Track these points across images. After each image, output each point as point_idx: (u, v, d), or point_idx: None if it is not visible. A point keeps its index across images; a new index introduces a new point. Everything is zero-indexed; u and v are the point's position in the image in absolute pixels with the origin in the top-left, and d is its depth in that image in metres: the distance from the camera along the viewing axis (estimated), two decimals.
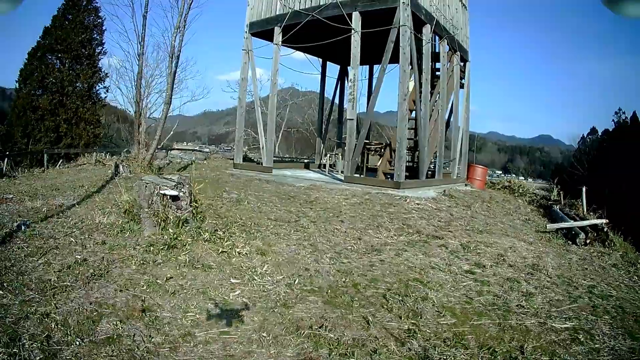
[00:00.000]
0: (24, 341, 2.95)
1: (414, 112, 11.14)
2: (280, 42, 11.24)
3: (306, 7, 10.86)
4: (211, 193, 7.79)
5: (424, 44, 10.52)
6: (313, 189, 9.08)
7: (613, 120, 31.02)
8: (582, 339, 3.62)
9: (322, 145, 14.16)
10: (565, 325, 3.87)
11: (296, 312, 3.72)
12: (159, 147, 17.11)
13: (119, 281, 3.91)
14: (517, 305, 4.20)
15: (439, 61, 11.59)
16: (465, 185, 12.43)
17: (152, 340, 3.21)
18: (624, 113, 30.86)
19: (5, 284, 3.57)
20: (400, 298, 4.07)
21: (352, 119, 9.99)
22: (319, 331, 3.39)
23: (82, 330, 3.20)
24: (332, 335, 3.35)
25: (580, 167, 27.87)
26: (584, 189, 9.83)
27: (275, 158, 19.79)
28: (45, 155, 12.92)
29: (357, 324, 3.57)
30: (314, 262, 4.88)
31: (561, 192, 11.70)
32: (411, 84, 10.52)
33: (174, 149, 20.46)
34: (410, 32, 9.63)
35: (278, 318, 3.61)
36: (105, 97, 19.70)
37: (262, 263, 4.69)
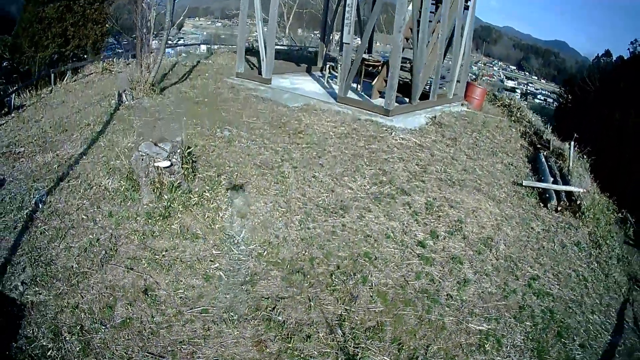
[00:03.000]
0: (65, 334, 4.00)
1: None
2: None
3: None
4: (207, 127, 8.24)
5: None
6: (305, 112, 9.41)
7: (628, 49, 31.41)
8: (488, 348, 4.29)
9: (325, 48, 13.87)
10: (481, 328, 4.59)
11: (259, 289, 4.70)
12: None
13: (126, 261, 4.85)
14: (447, 295, 5.00)
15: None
16: (462, 105, 12.47)
17: (154, 320, 4.26)
18: None
19: (38, 279, 4.53)
20: (345, 278, 4.99)
21: (348, 44, 9.82)
22: (271, 313, 4.40)
23: (104, 317, 4.24)
24: (280, 319, 4.36)
25: (591, 84, 28.11)
26: (572, 143, 9.90)
27: (281, 47, 19.45)
28: (52, 75, 13.13)
29: (303, 305, 4.56)
30: (284, 227, 5.71)
31: (555, 132, 11.61)
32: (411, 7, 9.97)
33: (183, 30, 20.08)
34: None
35: (244, 295, 4.61)
36: None
37: (240, 228, 5.56)
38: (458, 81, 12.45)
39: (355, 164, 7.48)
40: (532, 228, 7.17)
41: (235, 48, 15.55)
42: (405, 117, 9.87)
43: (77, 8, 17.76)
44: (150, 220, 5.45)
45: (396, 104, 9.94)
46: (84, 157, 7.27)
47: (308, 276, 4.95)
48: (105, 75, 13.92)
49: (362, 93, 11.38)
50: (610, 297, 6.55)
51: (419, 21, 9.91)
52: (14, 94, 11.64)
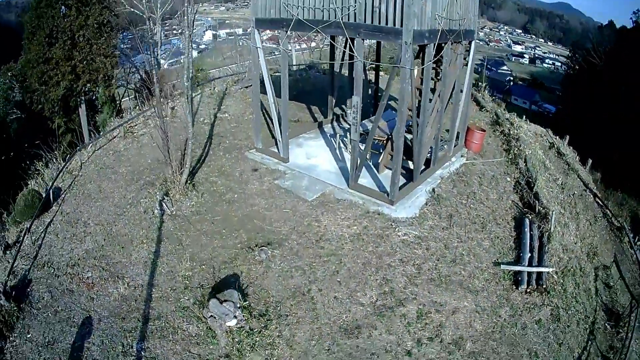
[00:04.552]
0: None
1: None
2: (288, 47, 13.72)
3: (310, 18, 12.94)
4: (245, 242, 12.32)
5: (425, 63, 12.95)
6: (323, 208, 13.34)
7: (631, 18, 35.48)
8: None
9: (334, 101, 17.43)
10: None
11: None
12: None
13: None
14: None
15: (441, 62, 13.88)
16: (462, 156, 16.12)
17: None
18: None
19: None
20: None
21: (356, 140, 13.47)
22: None
23: None
24: None
25: (597, 57, 32.25)
26: (553, 213, 13.61)
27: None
28: (77, 154, 16.54)
29: None
30: (318, 353, 9.93)
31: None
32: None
33: None
34: (410, 71, 12.16)
35: None
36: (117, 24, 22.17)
37: (290, 358, 9.91)
38: (457, 133, 16.04)
39: (365, 276, 11.55)
40: (499, 316, 11.21)
41: (247, 83, 19.13)
42: (408, 199, 13.69)
43: (83, 44, 21.17)
44: None
45: (400, 180, 13.75)
46: (153, 289, 11.44)
47: None
48: (129, 139, 17.75)
49: (371, 164, 15.18)
50: None
51: (418, 108, 13.46)
52: (52, 188, 15.04)
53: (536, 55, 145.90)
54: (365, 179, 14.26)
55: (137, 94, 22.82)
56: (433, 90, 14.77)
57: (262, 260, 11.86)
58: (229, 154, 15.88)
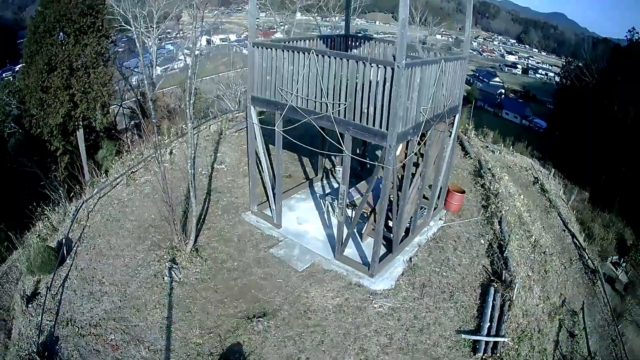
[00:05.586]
0: None
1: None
2: (281, 128, 17.05)
3: (302, 107, 15.74)
4: (245, 313, 15.99)
5: (408, 154, 16.38)
6: (312, 278, 16.82)
7: (626, 36, 41.11)
8: None
9: (324, 159, 20.85)
10: None
11: None
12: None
13: None
14: None
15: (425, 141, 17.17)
16: (440, 219, 19.73)
17: None
18: (637, 32, 40.10)
19: None
20: None
21: (342, 222, 17.02)
22: None
23: None
24: None
25: (589, 75, 36.97)
26: (517, 281, 17.31)
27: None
28: (83, 203, 19.52)
29: None
30: None
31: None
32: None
33: None
34: (393, 169, 15.56)
35: None
36: (114, 52, 25.00)
37: None
38: (437, 196, 19.58)
39: (345, 345, 15.22)
40: None
41: (240, 126, 22.44)
42: (386, 270, 17.24)
43: (81, 73, 24.12)
44: None
45: (381, 249, 17.29)
46: (171, 354, 14.95)
47: None
48: (131, 187, 21.09)
49: (355, 230, 18.74)
50: None
51: (400, 184, 16.93)
52: (65, 244, 17.99)
53: (529, 66, 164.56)
54: (349, 249, 17.66)
55: (133, 114, 25.83)
56: (416, 165, 18.21)
57: (259, 330, 15.55)
58: (227, 214, 19.30)
